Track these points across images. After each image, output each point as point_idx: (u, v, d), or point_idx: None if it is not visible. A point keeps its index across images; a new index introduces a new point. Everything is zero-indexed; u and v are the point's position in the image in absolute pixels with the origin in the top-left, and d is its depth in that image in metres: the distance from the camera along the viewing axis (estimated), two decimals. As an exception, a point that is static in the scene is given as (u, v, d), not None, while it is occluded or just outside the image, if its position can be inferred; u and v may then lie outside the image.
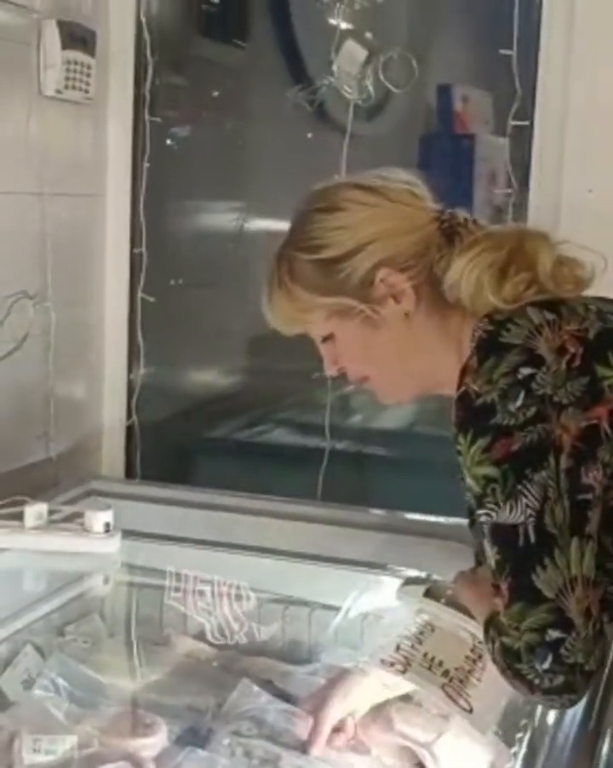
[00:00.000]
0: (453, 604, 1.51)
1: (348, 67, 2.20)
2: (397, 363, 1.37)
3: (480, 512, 1.18)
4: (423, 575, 1.78)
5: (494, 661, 1.19)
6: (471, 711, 1.37)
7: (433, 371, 1.35)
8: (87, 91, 2.22)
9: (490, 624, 1.21)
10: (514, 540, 1.14)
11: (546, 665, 1.11)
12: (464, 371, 1.21)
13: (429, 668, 1.41)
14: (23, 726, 1.49)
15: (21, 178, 2.11)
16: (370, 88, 2.24)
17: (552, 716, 1.48)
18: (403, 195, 1.35)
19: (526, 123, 2.13)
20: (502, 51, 2.10)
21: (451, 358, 1.30)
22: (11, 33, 2.06)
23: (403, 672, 1.40)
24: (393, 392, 1.43)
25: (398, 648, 1.44)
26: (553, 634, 1.11)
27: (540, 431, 1.15)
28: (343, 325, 1.35)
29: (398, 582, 1.80)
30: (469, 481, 1.20)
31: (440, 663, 1.43)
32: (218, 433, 2.62)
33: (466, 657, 1.46)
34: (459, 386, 1.21)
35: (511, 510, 1.14)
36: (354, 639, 1.90)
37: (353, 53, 2.17)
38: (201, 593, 1.96)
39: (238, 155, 2.77)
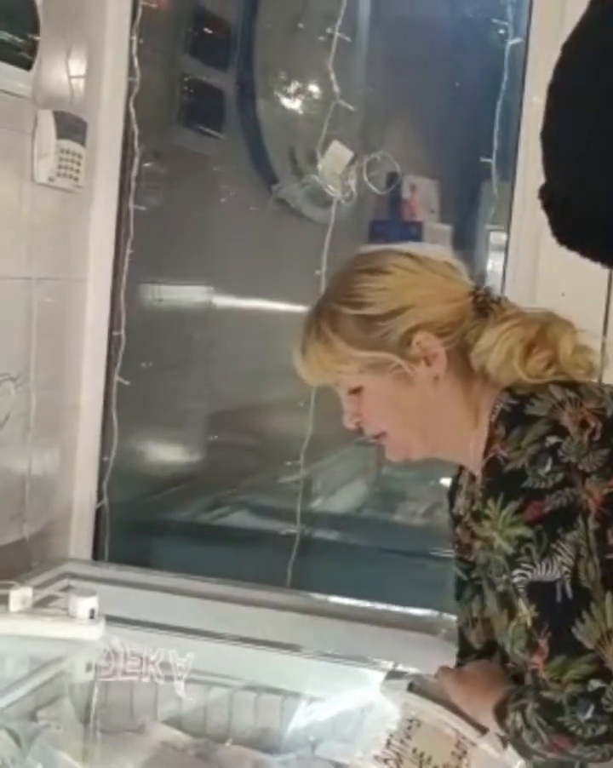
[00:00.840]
0: (436, 699, 1.55)
1: (333, 167, 2.28)
2: (417, 422, 1.42)
3: (515, 572, 1.25)
4: (402, 668, 1.80)
5: (524, 729, 1.24)
6: None
7: (448, 435, 1.42)
8: (76, 179, 2.27)
9: (508, 703, 1.28)
10: (552, 596, 1.21)
11: (588, 715, 1.17)
12: (492, 440, 1.28)
13: (419, 765, 1.44)
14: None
15: (11, 262, 2.14)
16: (353, 188, 2.32)
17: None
18: (443, 267, 1.43)
19: (502, 228, 2.22)
20: (483, 159, 2.20)
21: (467, 424, 1.38)
22: (9, 121, 2.10)
23: (397, 768, 1.43)
24: (405, 449, 1.46)
25: (388, 744, 1.46)
26: (595, 685, 1.17)
27: (568, 494, 1.24)
28: (375, 380, 1.40)
29: (371, 673, 1.84)
30: (500, 543, 1.27)
31: (429, 759, 1.46)
32: (186, 515, 2.65)
33: (452, 753, 1.49)
34: (486, 454, 1.29)
35: (547, 568, 1.22)
36: (328, 731, 1.92)
37: (339, 154, 2.25)
38: (173, 679, 1.97)
39: (209, 241, 2.84)
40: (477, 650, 1.56)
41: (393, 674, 1.71)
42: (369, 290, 1.40)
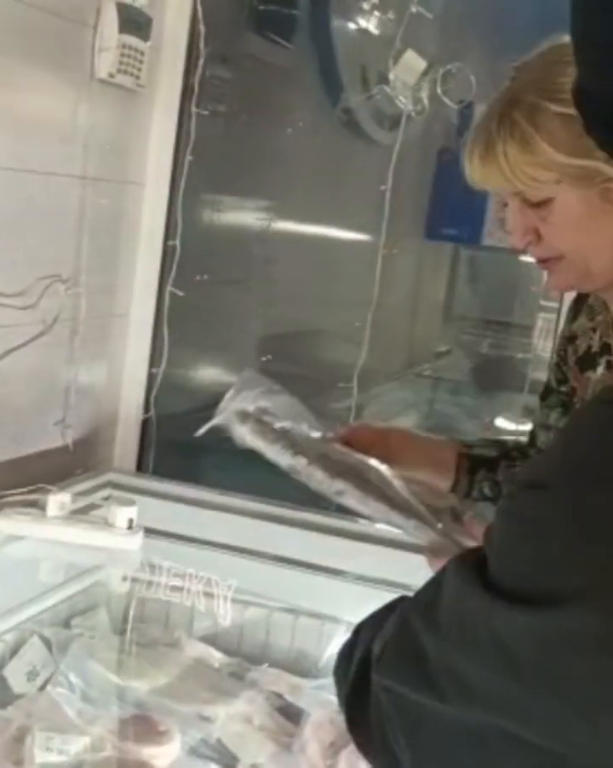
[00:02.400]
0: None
1: (406, 77, 2.17)
2: (604, 247, 1.24)
3: None
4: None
5: None
6: None
7: None
8: (138, 77, 2.18)
9: None
10: None
11: None
12: None
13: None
14: (35, 722, 1.45)
15: (66, 160, 2.07)
16: (425, 100, 2.21)
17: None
18: None
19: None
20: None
21: None
22: (70, 12, 2.01)
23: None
24: (581, 278, 1.30)
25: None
26: None
27: None
28: (572, 193, 1.21)
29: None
30: None
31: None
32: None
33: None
34: None
35: None
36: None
37: (412, 63, 2.14)
38: (212, 596, 1.92)
39: (272, 155, 2.74)
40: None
41: None
42: None
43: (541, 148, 1.19)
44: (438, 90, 2.16)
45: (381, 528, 2.12)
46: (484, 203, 2.93)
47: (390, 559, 2.03)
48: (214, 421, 1.45)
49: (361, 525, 2.16)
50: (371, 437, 1.48)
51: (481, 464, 1.49)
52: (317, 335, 2.95)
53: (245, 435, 1.43)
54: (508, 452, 1.50)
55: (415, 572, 1.95)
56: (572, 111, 1.12)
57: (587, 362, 1.40)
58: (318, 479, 1.38)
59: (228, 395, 1.45)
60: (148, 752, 1.42)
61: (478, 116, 1.28)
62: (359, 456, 1.38)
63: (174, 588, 1.85)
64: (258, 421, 1.43)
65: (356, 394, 2.31)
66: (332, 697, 1.64)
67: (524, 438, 1.57)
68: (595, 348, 1.37)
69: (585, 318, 1.40)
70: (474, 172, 1.26)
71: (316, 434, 1.44)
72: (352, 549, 2.05)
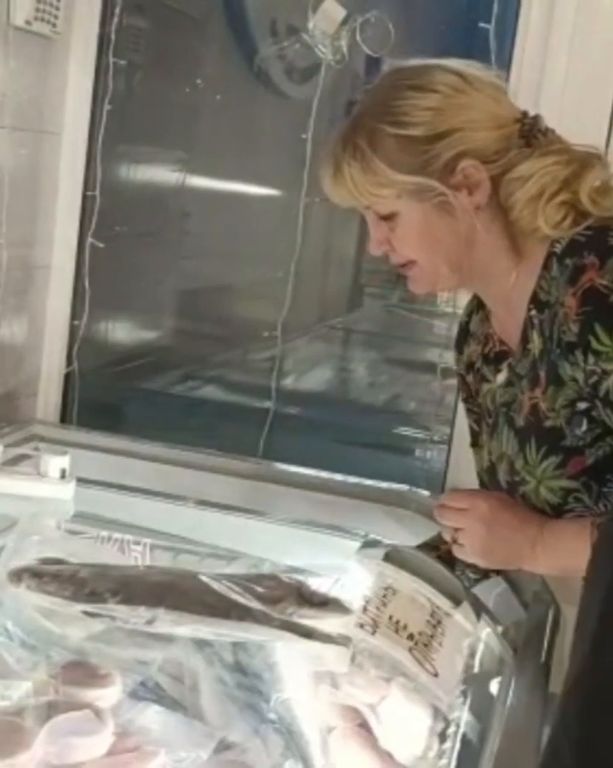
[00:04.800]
0: (413, 570, 1.53)
1: (325, 26, 2.17)
2: (451, 253, 1.36)
3: None
4: (379, 538, 1.78)
5: None
6: (437, 675, 1.39)
7: (482, 267, 1.37)
8: (54, 25, 2.16)
9: None
10: None
11: None
12: (582, 270, 1.24)
13: (395, 631, 1.43)
14: (-25, 669, 1.45)
15: (-17, 109, 2.04)
16: (344, 50, 2.22)
17: (495, 684, 1.52)
18: (491, 88, 1.34)
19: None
20: (481, 24, 2.10)
21: (506, 257, 1.35)
22: (-16, -43, 1.98)
23: (372, 634, 1.41)
24: (434, 280, 1.41)
25: (365, 609, 1.45)
26: None
27: None
28: (413, 206, 1.33)
29: (344, 542, 1.82)
30: None
31: (404, 627, 1.44)
32: (157, 386, 2.59)
33: (427, 622, 1.48)
34: (582, 284, 1.24)
35: None
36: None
37: (331, 12, 2.14)
38: (141, 544, 1.93)
39: (187, 106, 2.73)
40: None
41: (369, 544, 1.69)
42: (414, 109, 1.30)
43: (380, 168, 1.31)
44: (358, 38, 2.16)
45: (307, 472, 2.16)
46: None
47: (315, 501, 2.07)
48: None
49: (287, 472, 2.19)
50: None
51: None
52: (236, 287, 2.96)
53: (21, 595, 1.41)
54: None
55: (341, 514, 2.01)
56: (408, 132, 1.29)
57: (477, 376, 1.52)
58: (123, 617, 1.38)
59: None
60: (91, 694, 1.43)
61: (330, 137, 1.38)
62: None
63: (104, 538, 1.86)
64: (33, 574, 1.42)
65: (281, 343, 2.33)
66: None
67: None
68: (490, 357, 1.48)
69: (473, 345, 1.52)
70: (328, 191, 1.38)
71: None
72: (278, 493, 2.08)
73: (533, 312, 1.34)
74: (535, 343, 1.34)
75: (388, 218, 1.36)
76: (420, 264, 1.38)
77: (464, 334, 1.55)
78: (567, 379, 1.29)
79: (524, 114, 1.36)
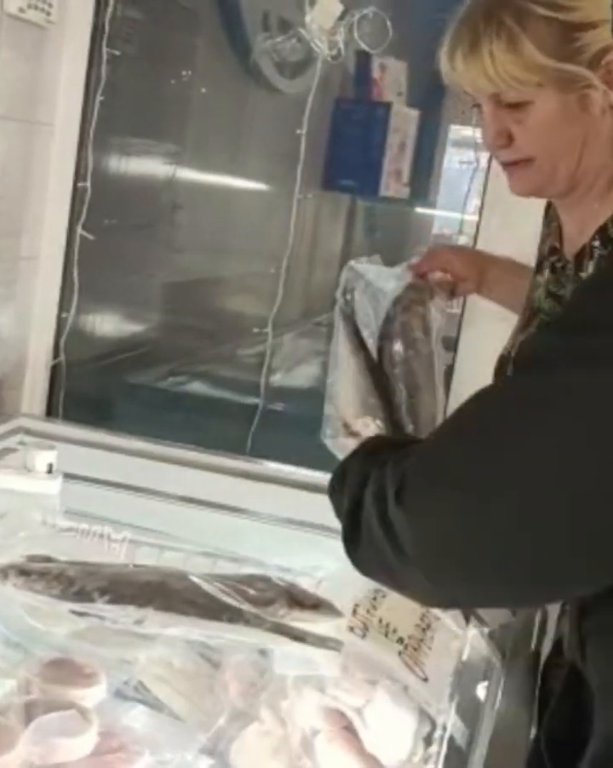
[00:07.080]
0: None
1: (322, 21, 2.16)
2: (574, 154, 1.25)
3: None
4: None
5: None
6: (426, 680, 1.38)
7: (590, 178, 1.28)
8: (49, 13, 2.13)
9: None
10: None
11: None
12: None
13: (385, 635, 1.42)
14: (-43, 667, 1.44)
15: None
16: (341, 45, 2.20)
17: (483, 688, 1.52)
18: None
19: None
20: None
21: (604, 177, 1.26)
22: (-21, -57, 1.95)
23: (363, 637, 1.40)
24: (544, 183, 1.30)
25: (354, 612, 1.43)
26: None
27: None
28: (551, 97, 1.22)
29: (332, 542, 1.80)
30: None
31: (394, 630, 1.43)
32: (145, 380, 2.58)
33: (416, 625, 1.47)
34: None
35: None
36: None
37: (329, 7, 2.13)
38: (121, 538, 1.92)
39: (180, 99, 2.71)
40: None
41: None
42: None
43: (528, 49, 1.19)
44: (355, 35, 2.15)
45: (295, 469, 2.15)
46: (381, 154, 2.94)
47: (303, 500, 2.05)
48: None
49: (275, 470, 2.17)
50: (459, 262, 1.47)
51: None
52: (226, 282, 2.94)
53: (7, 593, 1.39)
54: None
55: (330, 512, 2.00)
56: (558, 15, 1.17)
57: (537, 266, 1.42)
58: (112, 617, 1.36)
59: None
60: (75, 693, 1.41)
61: (463, 13, 1.25)
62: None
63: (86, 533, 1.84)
64: (21, 572, 1.39)
65: (271, 340, 2.32)
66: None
67: None
68: (545, 252, 1.40)
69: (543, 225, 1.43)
70: (455, 71, 1.24)
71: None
72: (265, 490, 2.06)
73: (596, 243, 1.27)
74: (589, 273, 1.28)
75: (517, 107, 1.24)
76: (537, 163, 1.27)
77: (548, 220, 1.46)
78: None
79: None
